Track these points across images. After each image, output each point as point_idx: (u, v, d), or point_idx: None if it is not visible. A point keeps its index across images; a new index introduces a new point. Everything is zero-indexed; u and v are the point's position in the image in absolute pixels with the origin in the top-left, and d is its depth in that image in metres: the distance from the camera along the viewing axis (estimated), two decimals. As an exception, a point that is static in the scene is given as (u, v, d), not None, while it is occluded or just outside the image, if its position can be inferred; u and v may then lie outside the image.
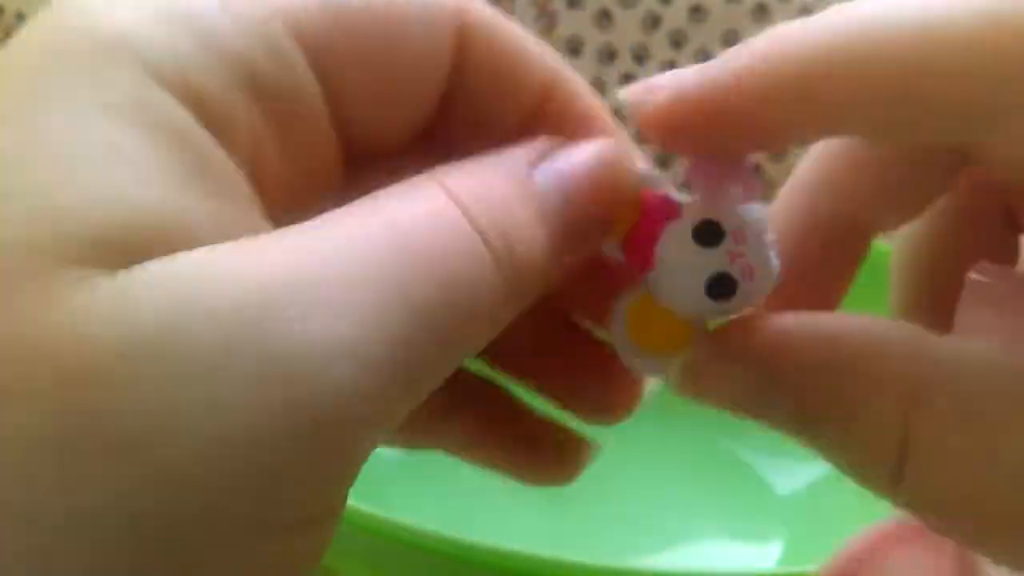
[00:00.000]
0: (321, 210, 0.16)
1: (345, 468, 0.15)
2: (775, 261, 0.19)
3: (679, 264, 0.19)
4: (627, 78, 0.57)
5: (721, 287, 0.18)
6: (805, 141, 0.19)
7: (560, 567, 0.29)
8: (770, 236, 0.19)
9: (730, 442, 0.46)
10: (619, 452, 0.47)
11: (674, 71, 0.18)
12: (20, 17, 0.59)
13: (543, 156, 0.19)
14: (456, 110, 0.20)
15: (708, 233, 0.18)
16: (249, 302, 0.14)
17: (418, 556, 0.30)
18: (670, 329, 0.19)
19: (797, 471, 0.44)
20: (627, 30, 0.58)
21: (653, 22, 0.58)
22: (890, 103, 0.16)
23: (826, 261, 0.22)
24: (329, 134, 0.19)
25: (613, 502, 0.43)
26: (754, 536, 0.43)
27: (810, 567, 0.30)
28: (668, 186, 0.19)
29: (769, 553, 0.42)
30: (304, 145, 0.18)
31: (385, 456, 0.45)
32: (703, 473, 0.45)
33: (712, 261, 0.18)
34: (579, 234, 0.18)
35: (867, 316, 0.18)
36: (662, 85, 0.18)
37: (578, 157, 0.19)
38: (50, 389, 0.13)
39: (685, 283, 0.19)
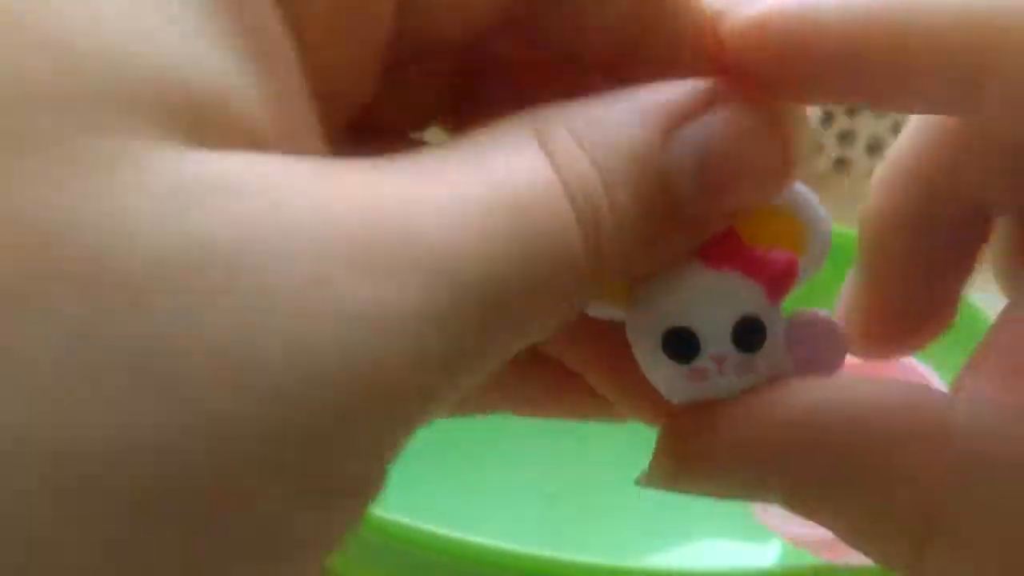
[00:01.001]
0: (345, 118, 0.14)
1: (392, 440, 0.13)
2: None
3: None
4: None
5: (681, 345, 0.16)
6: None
7: (560, 567, 0.29)
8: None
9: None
10: (618, 451, 0.47)
11: None
12: None
13: (689, 113, 0.15)
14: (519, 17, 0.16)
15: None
16: (341, 246, 0.12)
17: (418, 556, 0.30)
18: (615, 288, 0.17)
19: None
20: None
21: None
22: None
23: (938, 252, 0.19)
24: (390, 8, 0.15)
25: (612, 501, 0.43)
26: (753, 535, 0.43)
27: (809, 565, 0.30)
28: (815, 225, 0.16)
29: (768, 552, 0.42)
30: (362, 20, 0.15)
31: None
32: (703, 472, 0.45)
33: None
34: (696, 224, 0.15)
35: (863, 387, 0.16)
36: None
37: (732, 126, 0.15)
38: (87, 297, 0.10)
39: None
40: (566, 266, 0.14)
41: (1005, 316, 0.17)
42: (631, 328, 0.17)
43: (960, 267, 0.19)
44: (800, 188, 0.16)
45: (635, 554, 0.41)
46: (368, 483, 0.13)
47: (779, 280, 0.16)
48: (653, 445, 0.18)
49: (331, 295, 0.11)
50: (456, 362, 0.13)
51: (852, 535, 0.16)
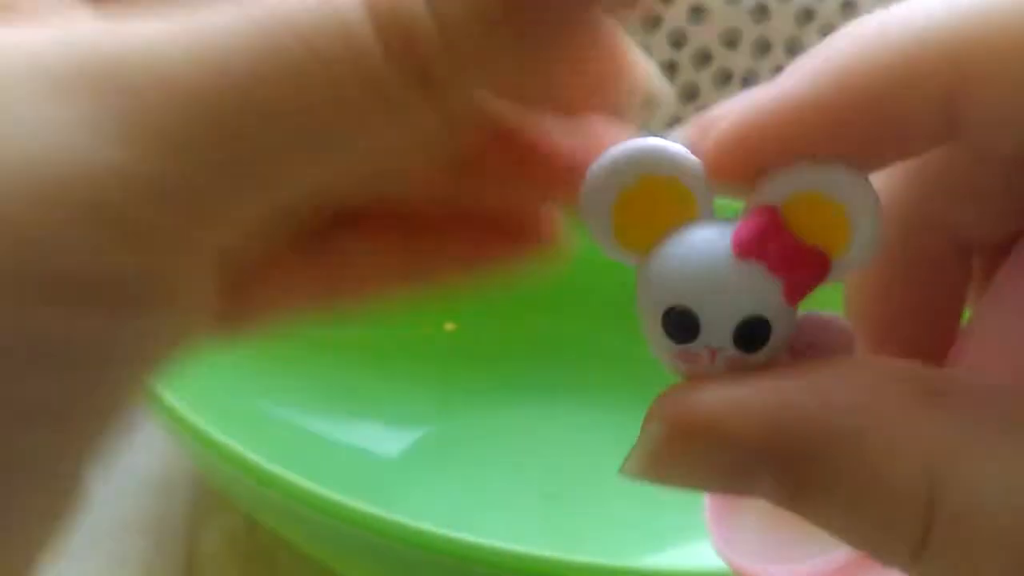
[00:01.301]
0: None
1: (119, 258, 0.13)
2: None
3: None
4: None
5: (680, 326, 0.16)
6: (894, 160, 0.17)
7: (560, 567, 0.29)
8: None
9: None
10: (618, 451, 0.47)
11: (725, 102, 0.16)
12: None
13: None
14: None
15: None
16: (34, 74, 0.13)
17: (418, 556, 0.30)
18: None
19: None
20: (628, 29, 0.58)
21: (654, 21, 0.58)
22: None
23: (929, 284, 0.18)
24: None
25: (612, 501, 0.43)
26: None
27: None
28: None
29: (768, 552, 0.42)
30: None
31: (385, 455, 0.45)
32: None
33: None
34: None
35: (847, 365, 0.16)
36: (719, 116, 0.16)
37: None
38: None
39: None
40: (356, 89, 0.13)
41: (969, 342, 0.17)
42: (640, 286, 0.16)
43: (950, 307, 0.19)
44: (851, 175, 0.15)
45: (635, 554, 0.41)
46: (120, 298, 0.13)
47: (803, 283, 0.15)
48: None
49: (17, 110, 0.13)
50: (181, 186, 0.13)
51: (848, 531, 0.15)
